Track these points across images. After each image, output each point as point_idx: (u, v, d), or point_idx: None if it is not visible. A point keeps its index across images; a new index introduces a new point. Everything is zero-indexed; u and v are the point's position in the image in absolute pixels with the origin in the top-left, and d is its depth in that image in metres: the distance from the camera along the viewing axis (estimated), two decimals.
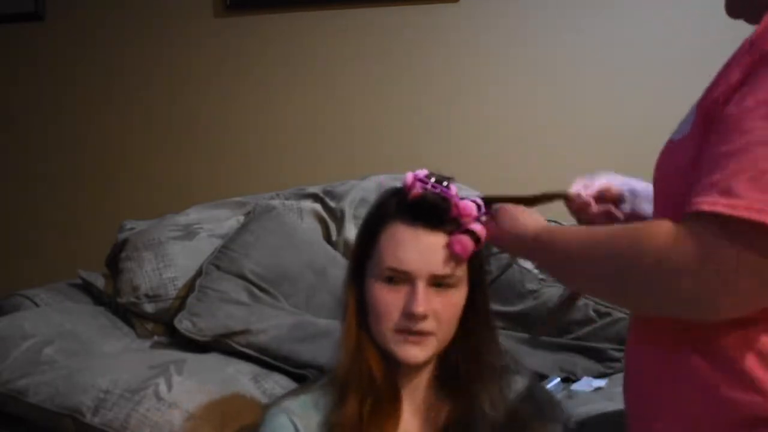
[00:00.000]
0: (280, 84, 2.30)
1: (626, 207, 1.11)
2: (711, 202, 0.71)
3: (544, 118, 2.23)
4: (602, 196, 1.10)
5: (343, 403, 0.99)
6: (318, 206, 1.92)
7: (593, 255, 0.83)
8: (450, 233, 0.97)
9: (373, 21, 2.26)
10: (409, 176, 1.00)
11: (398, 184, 1.03)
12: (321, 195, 1.94)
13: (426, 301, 0.95)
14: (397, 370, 1.02)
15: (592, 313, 1.81)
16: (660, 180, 0.89)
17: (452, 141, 2.24)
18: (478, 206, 0.99)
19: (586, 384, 1.65)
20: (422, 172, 1.00)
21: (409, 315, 0.95)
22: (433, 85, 2.26)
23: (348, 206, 1.89)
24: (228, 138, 2.32)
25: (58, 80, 2.36)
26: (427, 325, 0.96)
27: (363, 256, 1.01)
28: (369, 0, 2.25)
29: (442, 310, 0.97)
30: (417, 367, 1.01)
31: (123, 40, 2.34)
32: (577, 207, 1.10)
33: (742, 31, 0.84)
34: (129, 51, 2.34)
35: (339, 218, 1.89)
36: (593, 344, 1.77)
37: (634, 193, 1.12)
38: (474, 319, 1.01)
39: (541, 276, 1.91)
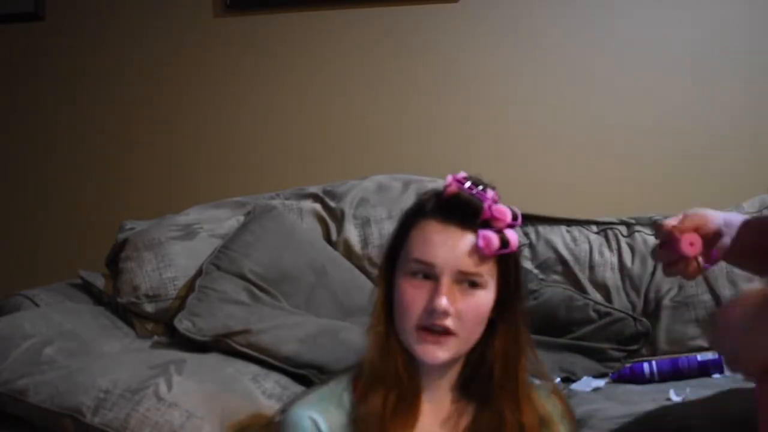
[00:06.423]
0: (279, 84, 2.30)
1: (726, 240, 1.08)
2: None
3: (546, 118, 2.23)
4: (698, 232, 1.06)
5: (369, 397, 0.99)
6: (318, 206, 1.93)
7: None
8: None
9: (373, 21, 2.26)
10: (449, 177, 1.02)
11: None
12: (321, 195, 1.94)
13: (449, 296, 0.95)
14: (420, 369, 1.02)
15: (592, 313, 1.81)
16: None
17: (452, 141, 2.24)
18: (514, 214, 0.99)
19: (585, 384, 1.65)
20: (462, 176, 1.01)
21: (431, 310, 0.95)
22: (432, 85, 2.26)
23: (348, 206, 1.89)
24: (227, 138, 2.32)
25: (57, 80, 2.36)
26: (448, 322, 0.95)
27: (394, 251, 1.03)
28: (369, 0, 2.25)
29: (465, 309, 0.96)
30: (440, 368, 1.01)
31: (123, 40, 2.34)
32: (665, 241, 1.07)
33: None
34: (129, 51, 2.34)
35: (339, 218, 1.89)
36: (593, 344, 1.77)
37: (729, 226, 1.09)
38: (503, 326, 1.01)
39: (541, 276, 1.91)
